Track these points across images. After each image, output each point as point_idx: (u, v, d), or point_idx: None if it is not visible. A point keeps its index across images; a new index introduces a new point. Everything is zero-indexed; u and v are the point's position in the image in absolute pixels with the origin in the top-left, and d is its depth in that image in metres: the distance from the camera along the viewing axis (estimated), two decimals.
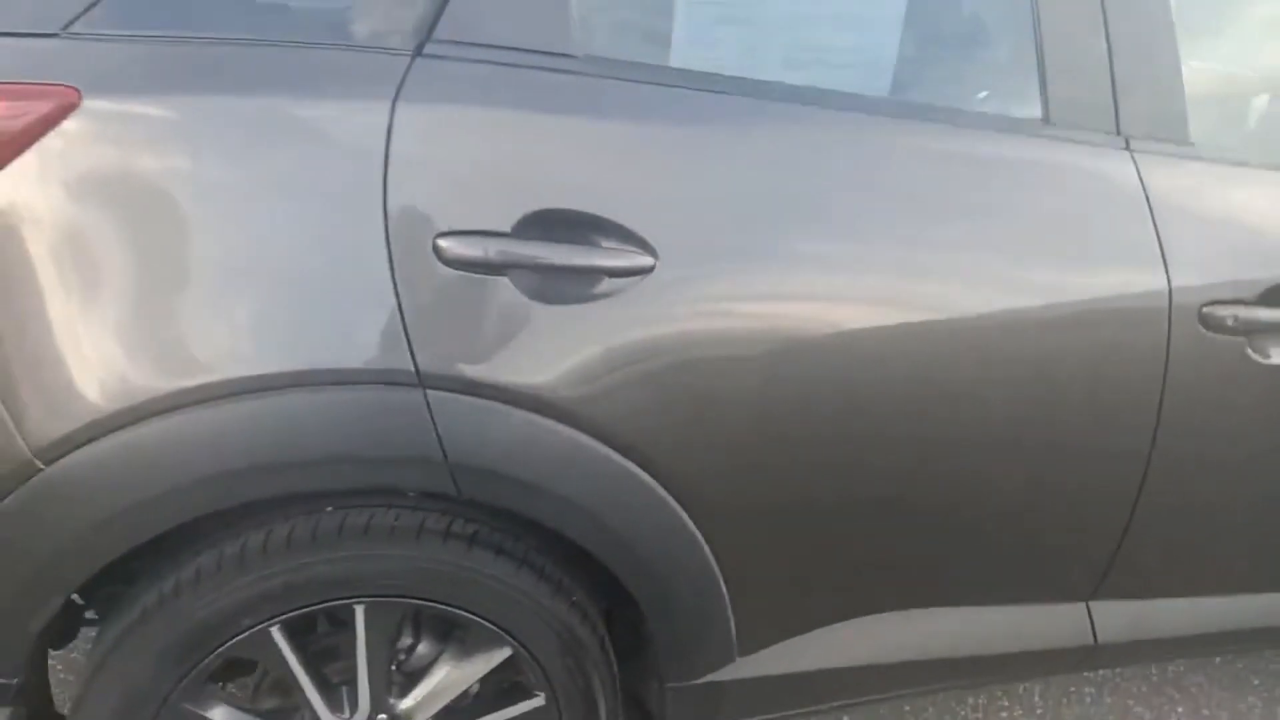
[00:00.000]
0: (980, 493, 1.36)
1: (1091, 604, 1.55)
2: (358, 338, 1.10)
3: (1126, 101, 1.32)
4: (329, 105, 1.09)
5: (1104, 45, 1.31)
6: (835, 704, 1.55)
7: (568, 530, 1.21)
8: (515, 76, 1.14)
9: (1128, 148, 1.33)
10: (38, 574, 1.10)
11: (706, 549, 1.28)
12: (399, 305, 1.09)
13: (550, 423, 1.15)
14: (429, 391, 1.11)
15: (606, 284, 1.14)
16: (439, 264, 1.10)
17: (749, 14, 1.30)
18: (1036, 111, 1.32)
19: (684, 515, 1.25)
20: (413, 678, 1.32)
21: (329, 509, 1.19)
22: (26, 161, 1.02)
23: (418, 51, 1.11)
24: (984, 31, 1.44)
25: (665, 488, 1.22)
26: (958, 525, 1.38)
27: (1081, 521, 1.42)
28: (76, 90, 1.02)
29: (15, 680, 1.15)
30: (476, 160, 1.12)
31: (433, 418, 1.11)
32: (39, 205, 1.03)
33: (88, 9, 1.06)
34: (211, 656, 1.18)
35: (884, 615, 1.46)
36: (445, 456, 1.13)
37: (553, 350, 1.14)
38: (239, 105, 1.07)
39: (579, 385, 1.15)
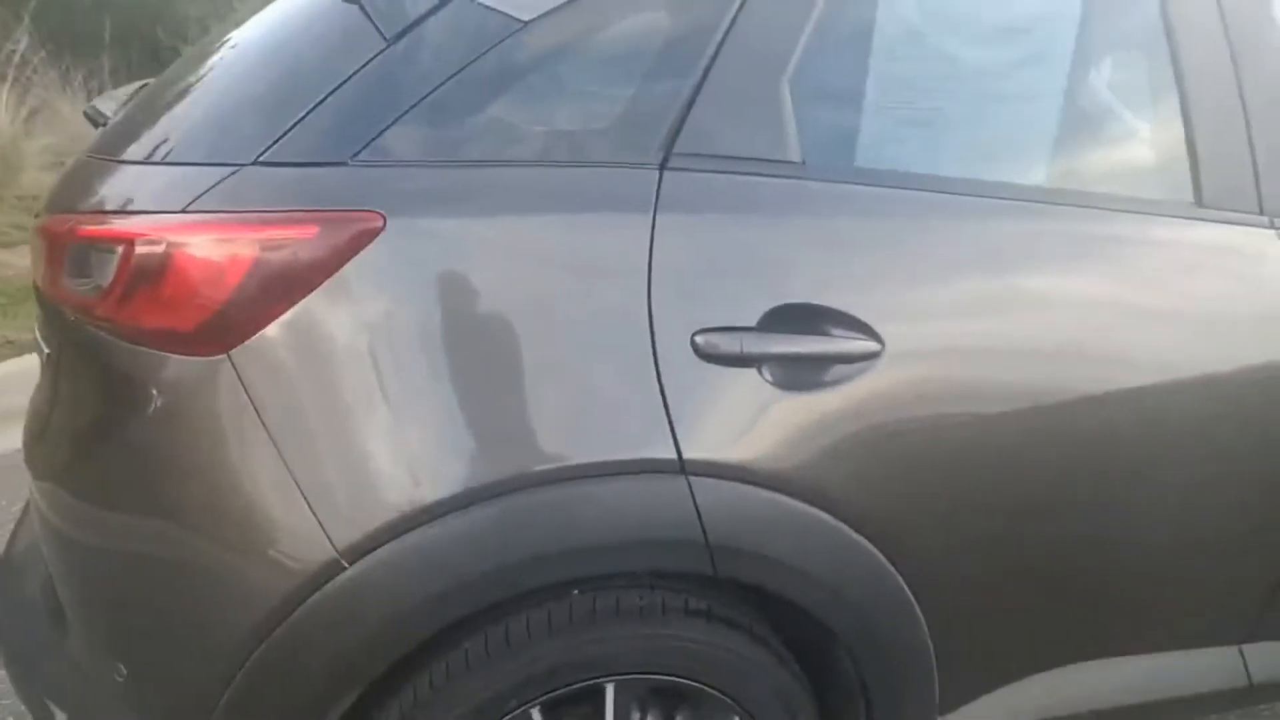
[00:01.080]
0: (1158, 550, 1.46)
1: (1244, 647, 1.64)
2: (627, 431, 1.18)
3: (1267, 185, 1.46)
4: (599, 220, 1.19)
5: (1245, 136, 1.45)
6: None
7: (807, 603, 1.29)
8: (748, 184, 1.25)
9: (1272, 225, 1.46)
10: (337, 669, 1.15)
11: (921, 617, 1.36)
12: (664, 399, 1.18)
13: (794, 502, 1.24)
14: (691, 478, 1.19)
15: (838, 370, 1.24)
16: (697, 359, 1.19)
17: (928, 115, 1.42)
18: (1189, 196, 1.45)
19: (902, 583, 1.33)
20: None
21: (575, 592, 1.26)
22: (337, 281, 1.10)
23: (663, 165, 1.22)
24: (1137, 127, 1.57)
25: (887, 557, 1.30)
26: (1137, 585, 1.48)
27: (1247, 569, 1.53)
28: (380, 214, 1.11)
29: None
30: (724, 262, 1.22)
31: (695, 502, 1.19)
32: (345, 321, 1.11)
33: (369, 142, 1.15)
34: None
35: (1058, 670, 1.54)
36: (706, 538, 1.20)
37: (794, 434, 1.23)
38: (520, 224, 1.16)
39: (816, 465, 1.24)
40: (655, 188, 1.20)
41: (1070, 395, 1.33)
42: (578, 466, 1.16)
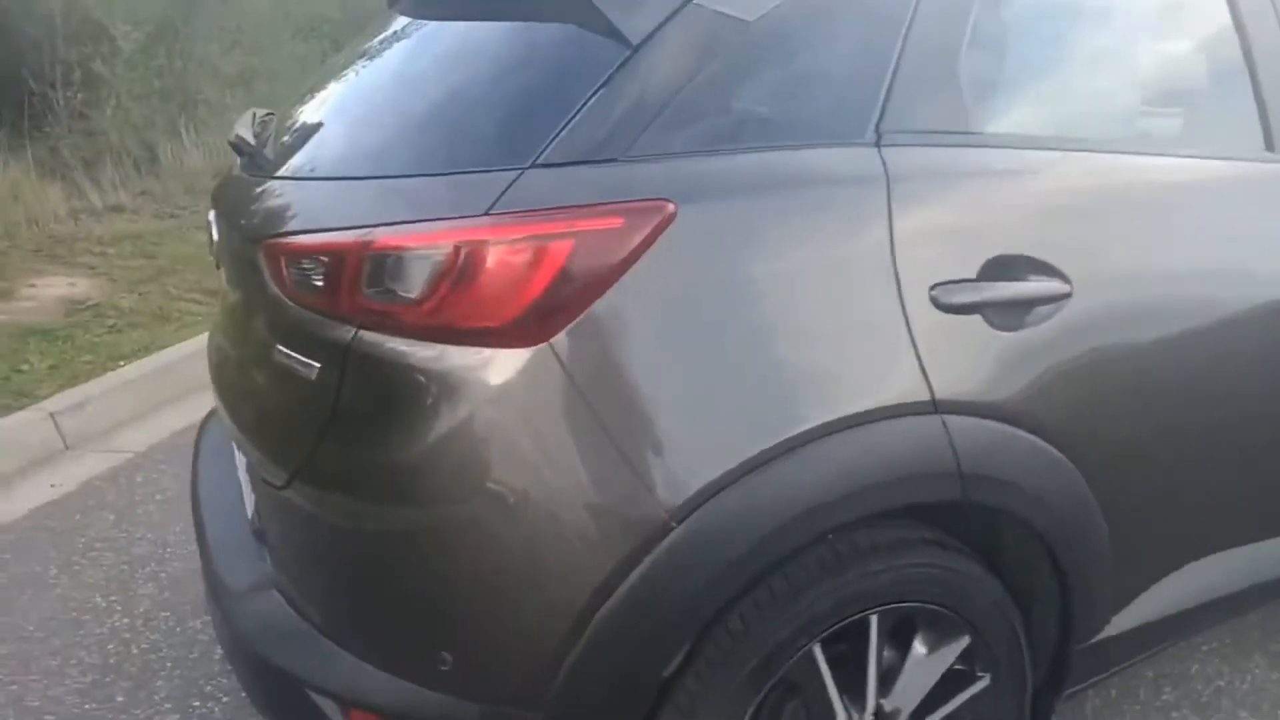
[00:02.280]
0: None
1: None
2: (889, 379, 1.31)
3: None
4: (844, 194, 1.32)
5: None
6: (1150, 653, 1.81)
7: (1031, 518, 1.44)
8: (947, 155, 1.40)
9: None
10: (668, 629, 1.24)
11: (1104, 523, 1.53)
12: (915, 348, 1.32)
13: (1016, 430, 1.40)
14: (944, 416, 1.33)
15: (1039, 311, 1.41)
16: (935, 310, 1.33)
17: (1091, 82, 1.61)
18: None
19: (1089, 492, 1.50)
20: (887, 680, 1.50)
21: (829, 536, 1.38)
22: (641, 266, 1.20)
23: (878, 143, 1.36)
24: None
25: (1080, 469, 1.47)
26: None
27: None
28: (672, 202, 1.21)
29: None
30: (943, 223, 1.37)
31: (949, 436, 1.34)
32: (650, 302, 1.21)
33: (636, 139, 1.25)
34: (774, 680, 1.34)
35: (1200, 561, 1.74)
36: (959, 468, 1.35)
37: (1011, 369, 1.39)
38: (780, 203, 1.29)
39: (1028, 394, 1.40)
40: (882, 163, 1.34)
41: (1228, 314, 1.54)
42: (854, 415, 1.28)
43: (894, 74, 1.38)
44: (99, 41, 7.19)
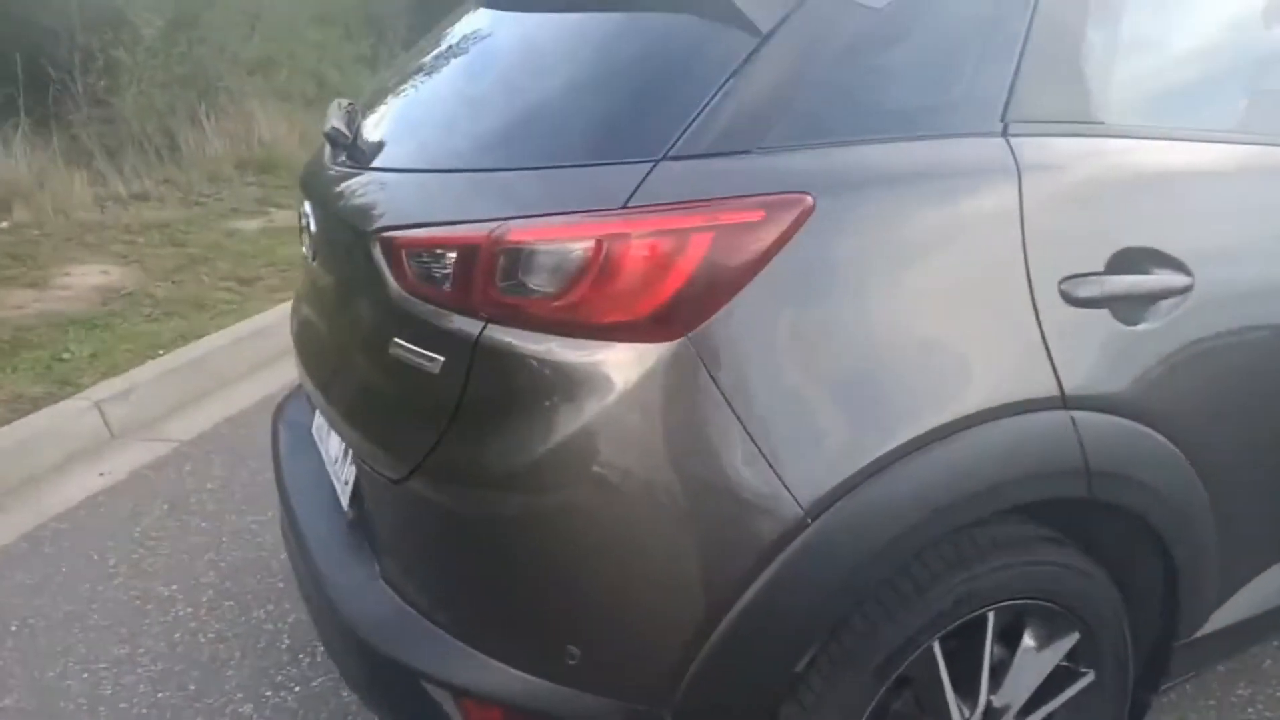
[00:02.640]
0: None
1: None
2: (1019, 373, 1.30)
3: None
4: (976, 184, 1.30)
5: None
6: (1241, 650, 1.81)
7: (1147, 513, 1.43)
8: (1072, 145, 1.38)
9: None
10: (803, 622, 1.24)
11: (1211, 515, 1.52)
12: (1044, 342, 1.30)
13: (1139, 426, 1.38)
14: (1073, 412, 1.32)
15: (1163, 305, 1.39)
16: (1064, 304, 1.32)
17: (1207, 72, 1.60)
18: None
19: (1203, 487, 1.48)
20: (996, 676, 1.49)
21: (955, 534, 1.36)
22: (781, 259, 1.18)
23: (1005, 133, 1.34)
24: None
25: (1194, 465, 1.46)
26: None
27: None
28: (810, 194, 1.20)
29: None
30: (1073, 215, 1.35)
31: (1077, 432, 1.32)
32: (791, 295, 1.20)
33: (768, 130, 1.24)
34: (895, 676, 1.33)
35: None
36: (1087, 465, 1.34)
37: (1137, 364, 1.38)
38: (913, 195, 1.27)
39: (1149, 389, 1.38)
40: (1011, 153, 1.32)
41: None
42: (985, 411, 1.27)
43: (1019, 62, 1.36)
44: (119, 28, 7.17)
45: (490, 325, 1.25)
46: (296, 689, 2.18)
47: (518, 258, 1.21)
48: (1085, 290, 1.33)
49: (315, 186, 1.71)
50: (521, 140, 1.36)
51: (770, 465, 1.18)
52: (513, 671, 1.30)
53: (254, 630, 2.38)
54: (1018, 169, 1.31)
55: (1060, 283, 1.32)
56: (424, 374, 1.32)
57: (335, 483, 1.74)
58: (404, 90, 1.73)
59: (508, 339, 1.24)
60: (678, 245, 1.17)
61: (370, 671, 1.46)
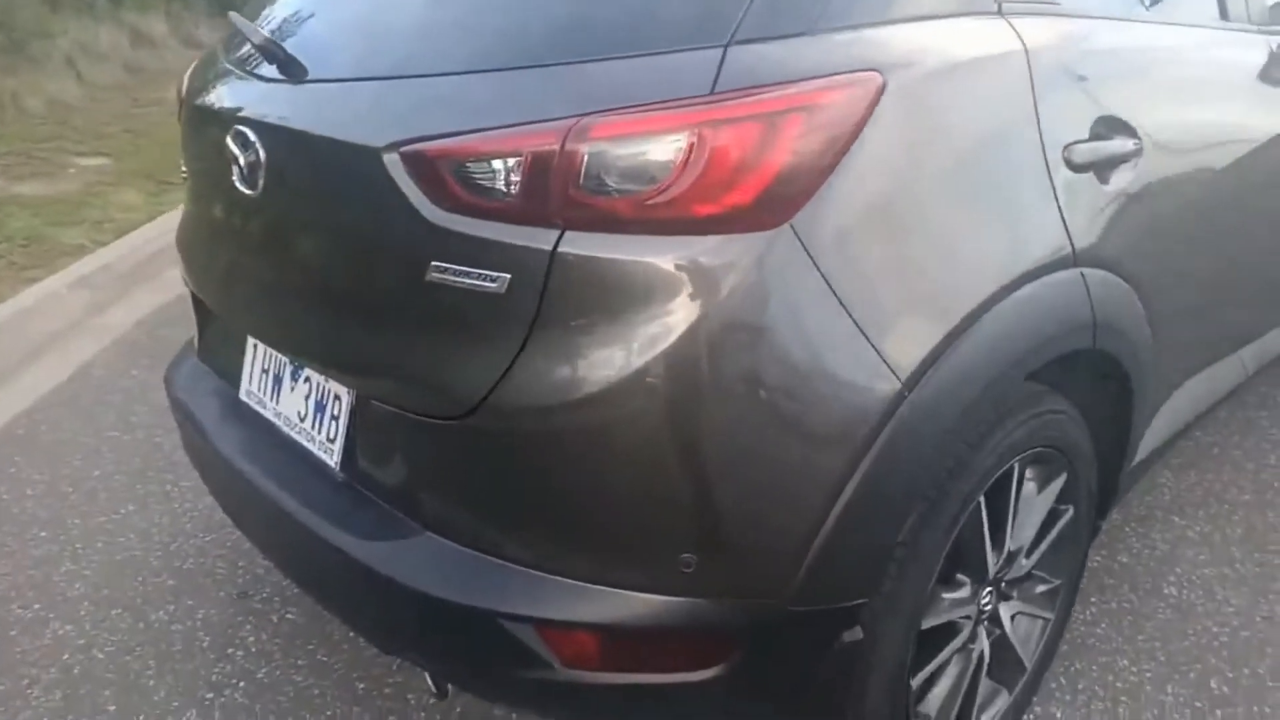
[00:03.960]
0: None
1: None
2: (1046, 236, 1.40)
3: None
4: (998, 66, 1.37)
5: None
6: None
7: (1120, 355, 1.60)
8: (1054, 24, 1.50)
9: None
10: (905, 492, 1.27)
11: (1152, 348, 1.72)
12: (1059, 207, 1.41)
13: (1113, 275, 1.54)
14: (1082, 270, 1.44)
15: (1124, 167, 1.55)
16: (1067, 170, 1.43)
17: None
18: None
19: (1147, 324, 1.67)
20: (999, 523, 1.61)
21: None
22: (864, 138, 1.19)
23: (1000, 12, 1.42)
24: None
25: (1142, 304, 1.64)
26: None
27: None
28: (879, 73, 1.21)
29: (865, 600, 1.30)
30: (1067, 88, 1.47)
31: (1087, 288, 1.45)
32: (874, 174, 1.21)
33: (822, 12, 1.23)
34: (955, 535, 1.41)
35: (1189, 381, 2.02)
36: (1094, 318, 1.47)
37: (1109, 220, 1.52)
38: (955, 72, 1.32)
39: (1120, 242, 1.54)
40: (1014, 32, 1.40)
41: (1238, 155, 1.78)
42: (1029, 272, 1.36)
43: None
44: None
45: (568, 233, 1.16)
46: (241, 684, 1.97)
47: (603, 155, 1.13)
48: (1079, 156, 1.45)
49: (256, 108, 1.49)
50: (569, 33, 1.25)
51: (871, 343, 1.20)
52: (613, 592, 1.25)
53: (160, 635, 2.11)
54: (1024, 47, 1.39)
55: (1063, 150, 1.43)
56: (482, 297, 1.21)
57: (307, 444, 1.57)
58: None
59: (591, 246, 1.16)
60: (772, 128, 1.14)
61: (436, 626, 1.34)
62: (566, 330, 1.18)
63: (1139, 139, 1.56)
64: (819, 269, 1.17)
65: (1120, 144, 1.54)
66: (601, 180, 1.14)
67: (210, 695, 1.94)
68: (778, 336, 1.18)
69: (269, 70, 1.49)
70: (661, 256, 1.15)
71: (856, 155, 1.19)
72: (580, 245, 1.16)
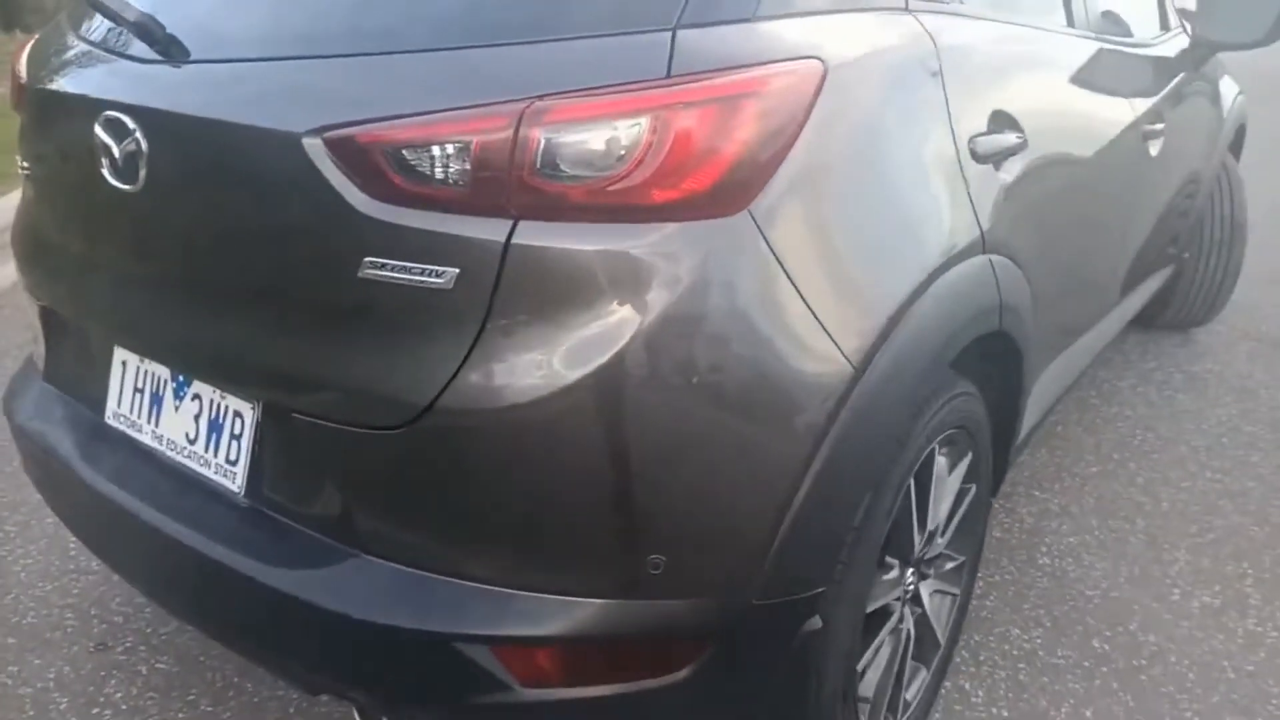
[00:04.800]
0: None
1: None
2: (959, 224, 1.45)
3: None
4: (916, 54, 1.41)
5: None
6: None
7: (1014, 333, 1.67)
8: (957, 22, 1.57)
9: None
10: (863, 473, 1.28)
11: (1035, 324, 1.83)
12: (970, 196, 1.47)
13: (1008, 260, 1.61)
14: (990, 255, 1.51)
15: (1012, 159, 1.63)
16: (973, 161, 1.50)
17: None
18: None
19: (1032, 303, 1.77)
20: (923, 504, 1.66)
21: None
22: (811, 123, 1.19)
23: (908, 8, 1.46)
24: None
25: (1028, 282, 1.73)
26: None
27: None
28: (820, 60, 1.21)
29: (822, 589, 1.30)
30: (970, 82, 1.54)
31: (994, 273, 1.52)
32: (819, 159, 1.21)
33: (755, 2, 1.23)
34: (892, 520, 1.43)
35: (1058, 358, 2.16)
36: (1001, 301, 1.54)
37: (1003, 209, 1.60)
38: (873, 63, 1.35)
39: (1011, 227, 1.62)
40: (923, 28, 1.45)
41: (1101, 144, 1.93)
42: (952, 256, 1.41)
43: None
44: None
45: (522, 223, 1.10)
46: None
47: (560, 140, 1.07)
48: (980, 148, 1.52)
49: (134, 93, 1.32)
50: (509, 10, 1.19)
51: (825, 330, 1.20)
52: (575, 601, 1.19)
53: (5, 701, 1.85)
54: (934, 43, 1.44)
55: (969, 141, 1.49)
56: (426, 294, 1.12)
57: (200, 469, 1.42)
58: None
59: (546, 236, 1.10)
60: (729, 112, 1.12)
61: (376, 655, 1.24)
62: (521, 326, 1.12)
63: (1023, 133, 1.65)
64: (776, 256, 1.16)
65: (1010, 138, 1.62)
66: (557, 166, 1.08)
67: None
68: (740, 326, 1.16)
69: (146, 50, 1.34)
70: (619, 245, 1.11)
71: (804, 141, 1.19)
72: (535, 235, 1.10)
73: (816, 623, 1.31)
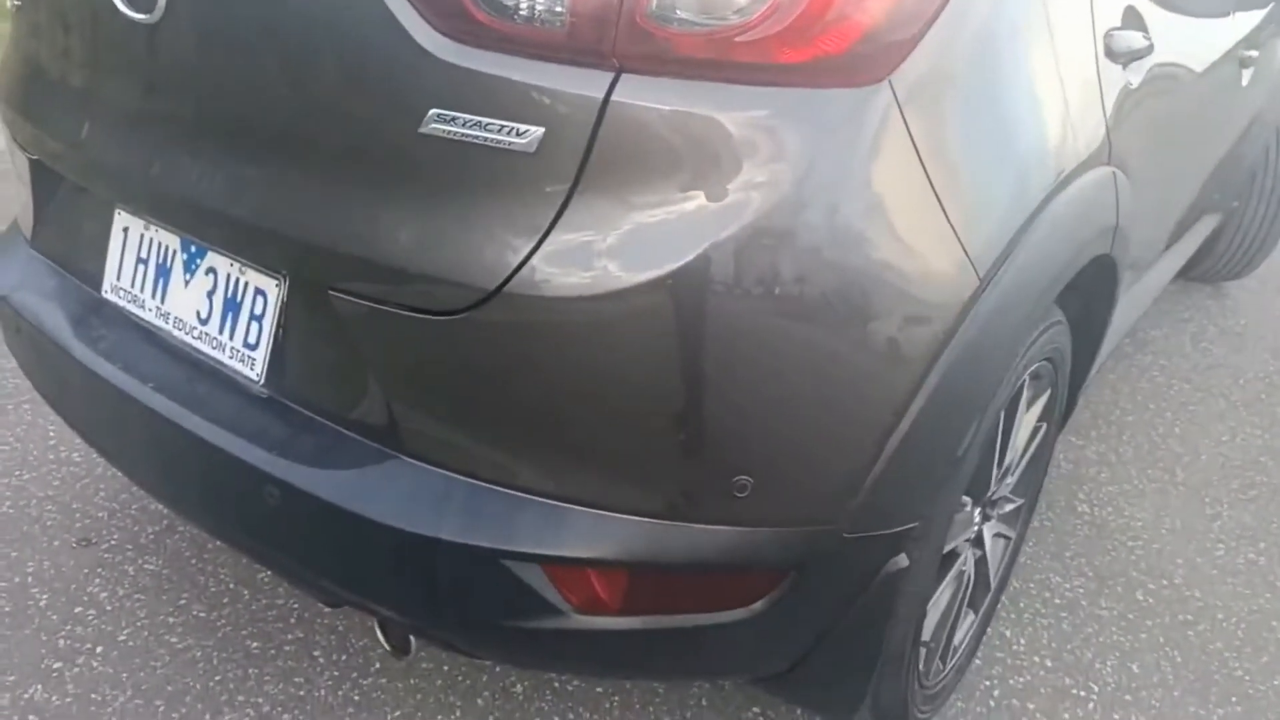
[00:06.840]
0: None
1: None
2: (1094, 127, 1.29)
3: None
4: None
5: None
6: None
7: (1118, 255, 1.51)
8: None
9: None
10: (970, 398, 1.14)
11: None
12: (1101, 96, 1.31)
13: (1122, 173, 1.45)
14: (1115, 169, 1.35)
15: (1138, 61, 1.46)
16: (1106, 59, 1.32)
17: None
18: None
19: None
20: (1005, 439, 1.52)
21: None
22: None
23: None
24: None
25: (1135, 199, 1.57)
26: None
27: None
28: None
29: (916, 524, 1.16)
30: None
31: (1116, 188, 1.36)
32: (963, 40, 1.04)
33: None
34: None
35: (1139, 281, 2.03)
36: (1118, 220, 1.38)
37: (1128, 115, 1.43)
38: None
39: (1125, 134, 1.44)
40: None
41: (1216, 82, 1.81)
42: (1082, 164, 1.25)
43: None
44: None
45: (625, 76, 0.92)
46: (99, 649, 1.62)
47: None
48: (1115, 44, 1.35)
49: None
50: None
51: (954, 230, 1.04)
52: (644, 522, 1.05)
53: None
54: None
55: (1105, 35, 1.32)
56: (503, 157, 0.95)
57: (212, 352, 1.25)
58: None
59: (652, 95, 0.93)
60: None
61: (414, 571, 1.09)
62: (614, 201, 0.95)
63: (1149, 35, 1.48)
64: (912, 139, 0.99)
65: (1138, 38, 1.44)
66: (674, 9, 0.90)
67: (59, 665, 1.58)
68: (866, 217, 0.99)
69: None
70: (739, 111, 0.94)
71: (951, 12, 1.01)
72: (639, 93, 0.93)
73: (903, 560, 1.17)
